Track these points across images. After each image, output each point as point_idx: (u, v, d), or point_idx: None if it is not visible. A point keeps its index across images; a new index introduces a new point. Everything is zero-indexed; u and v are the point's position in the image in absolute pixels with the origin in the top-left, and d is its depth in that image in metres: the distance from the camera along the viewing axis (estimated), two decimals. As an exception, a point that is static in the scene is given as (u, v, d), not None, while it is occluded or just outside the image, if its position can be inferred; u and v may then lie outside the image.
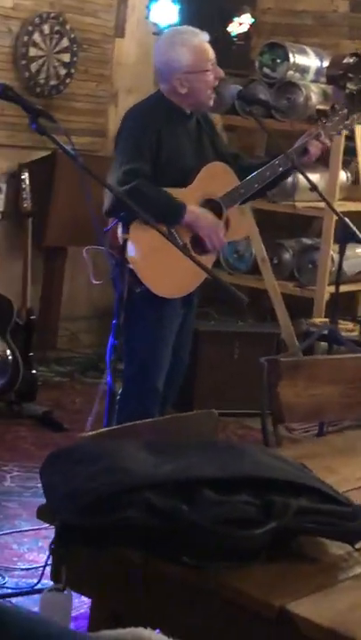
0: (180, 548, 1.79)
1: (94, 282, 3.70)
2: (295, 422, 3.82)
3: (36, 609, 2.43)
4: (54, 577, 1.98)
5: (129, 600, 1.94)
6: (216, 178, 3.86)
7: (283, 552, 1.90)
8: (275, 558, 1.86)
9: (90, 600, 2.15)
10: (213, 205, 3.86)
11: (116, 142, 3.86)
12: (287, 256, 5.90)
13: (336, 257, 5.73)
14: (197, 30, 3.84)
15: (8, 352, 4.90)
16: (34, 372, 5.05)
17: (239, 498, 1.86)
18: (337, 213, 4.12)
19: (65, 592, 1.92)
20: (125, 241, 3.26)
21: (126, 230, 3.24)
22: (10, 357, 4.90)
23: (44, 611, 1.94)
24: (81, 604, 2.79)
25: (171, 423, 2.44)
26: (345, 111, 4.02)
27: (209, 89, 3.80)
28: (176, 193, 3.73)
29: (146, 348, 3.80)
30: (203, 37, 3.82)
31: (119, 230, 3.40)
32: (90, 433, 2.35)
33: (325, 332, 4.68)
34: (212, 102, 3.88)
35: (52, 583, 3.25)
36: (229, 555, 1.81)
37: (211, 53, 3.81)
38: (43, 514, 2.08)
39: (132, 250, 3.41)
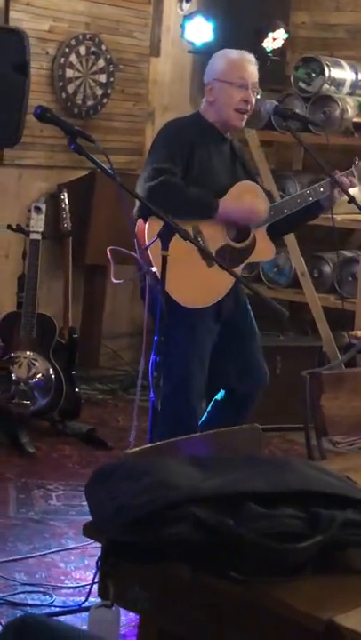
0: (227, 563, 1.80)
1: (115, 281, 3.70)
2: (339, 435, 3.81)
3: (84, 627, 2.45)
4: (102, 593, 1.99)
5: (177, 616, 1.94)
6: (246, 196, 3.87)
7: (330, 565, 1.89)
8: (322, 571, 1.86)
9: (137, 616, 2.16)
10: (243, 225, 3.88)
11: (149, 150, 3.90)
12: (327, 269, 5.89)
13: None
14: (245, 52, 3.92)
15: (51, 371, 4.93)
16: (77, 390, 5.08)
17: (285, 511, 1.86)
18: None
19: (113, 608, 1.92)
20: (165, 258, 3.27)
21: (166, 247, 3.25)
22: (53, 376, 4.93)
23: (92, 628, 1.95)
24: (129, 620, 2.80)
25: (215, 438, 2.44)
26: None
27: (232, 106, 3.82)
28: None
29: (179, 365, 3.80)
30: (246, 56, 3.89)
31: (150, 242, 3.43)
32: (133, 450, 2.37)
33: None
34: (239, 124, 3.88)
35: (99, 600, 3.31)
36: (277, 568, 1.81)
37: (246, 73, 3.83)
38: (89, 531, 2.09)
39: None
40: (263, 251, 3.96)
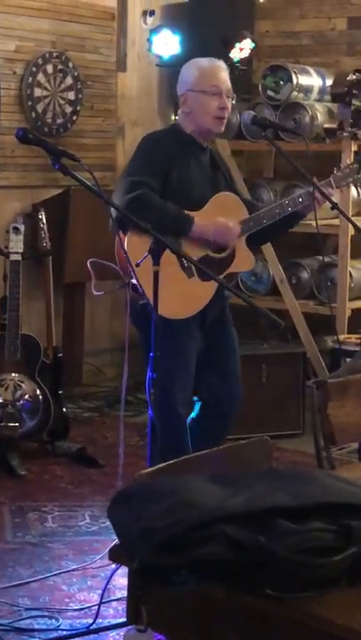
0: (261, 581, 1.79)
1: (95, 292, 3.68)
2: (347, 443, 3.80)
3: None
4: (132, 618, 1.97)
5: (210, 636, 1.93)
6: (226, 208, 3.87)
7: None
8: (356, 583, 1.86)
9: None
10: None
11: (128, 162, 3.89)
12: (305, 275, 5.91)
13: (355, 273, 5.78)
14: (214, 59, 3.92)
15: (38, 392, 4.90)
16: (64, 409, 5.05)
17: (314, 525, 1.85)
18: (359, 229, 4.14)
19: (147, 632, 1.91)
20: (157, 273, 3.26)
21: (157, 262, 3.24)
22: (40, 397, 4.90)
23: (127, 652, 1.93)
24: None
25: (226, 453, 2.43)
26: (356, 166, 4.10)
27: (210, 114, 3.82)
28: None
29: (163, 374, 3.76)
30: (216, 63, 3.89)
31: (124, 244, 3.41)
32: (147, 470, 2.35)
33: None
34: (219, 129, 3.87)
35: (106, 622, 3.29)
36: (311, 583, 1.80)
37: (219, 80, 3.84)
38: (116, 555, 2.07)
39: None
40: (243, 261, 3.96)
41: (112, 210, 3.48)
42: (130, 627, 1.98)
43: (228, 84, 3.87)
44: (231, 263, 3.90)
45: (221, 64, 3.90)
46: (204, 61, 3.90)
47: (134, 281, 3.47)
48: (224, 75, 3.87)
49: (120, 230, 3.63)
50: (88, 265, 3.58)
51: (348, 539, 1.82)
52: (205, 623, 1.94)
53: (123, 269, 3.65)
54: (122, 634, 3.15)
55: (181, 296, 3.73)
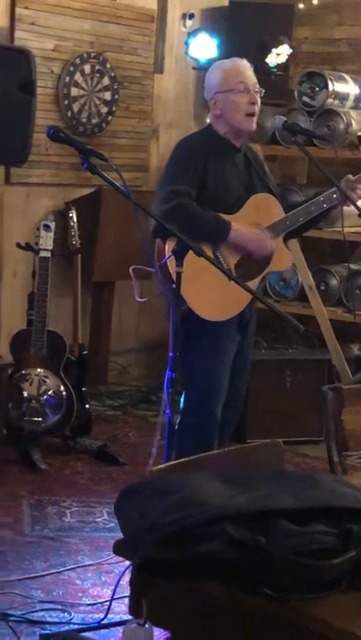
0: (261, 580, 1.80)
1: (139, 299, 3.72)
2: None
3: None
4: (134, 611, 2.00)
5: (209, 633, 1.95)
6: (262, 209, 3.90)
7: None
8: (356, 587, 1.87)
9: (168, 633, 2.16)
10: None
11: (164, 170, 3.92)
12: (334, 282, 5.90)
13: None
14: (237, 58, 3.95)
15: (62, 388, 4.94)
16: (87, 406, 5.10)
17: (316, 528, 1.87)
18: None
19: (146, 626, 1.93)
20: (180, 274, 3.29)
21: (181, 264, 3.27)
22: (64, 393, 4.94)
23: (126, 645, 1.96)
24: (162, 637, 2.79)
25: (238, 454, 2.45)
26: None
27: (241, 112, 3.84)
28: None
29: (204, 376, 3.82)
30: (239, 62, 3.91)
31: (165, 259, 3.45)
32: (159, 467, 2.37)
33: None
34: (251, 127, 3.89)
35: (118, 618, 3.31)
36: (310, 585, 1.82)
37: (244, 76, 3.86)
38: (120, 549, 2.09)
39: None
40: (281, 261, 3.98)
41: (151, 219, 3.54)
42: (130, 619, 2.01)
43: (254, 79, 3.89)
44: (270, 263, 3.92)
45: (244, 62, 3.92)
46: (226, 62, 3.95)
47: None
48: (249, 71, 3.89)
49: (158, 238, 3.68)
50: (130, 271, 3.63)
51: (348, 542, 1.83)
52: (205, 619, 1.96)
53: (163, 276, 3.67)
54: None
55: (222, 298, 3.76)
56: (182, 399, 3.88)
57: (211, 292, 3.70)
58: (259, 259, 3.86)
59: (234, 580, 1.84)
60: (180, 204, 3.66)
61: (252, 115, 3.86)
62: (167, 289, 3.50)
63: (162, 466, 2.35)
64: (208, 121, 4.03)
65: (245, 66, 3.91)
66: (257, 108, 3.88)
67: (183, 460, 2.42)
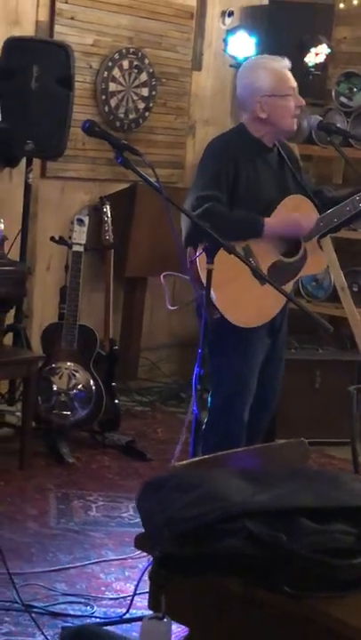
0: (280, 577, 1.80)
1: (170, 307, 3.72)
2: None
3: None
4: (153, 605, 2.00)
5: (227, 628, 1.95)
6: (296, 210, 3.87)
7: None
8: (375, 587, 1.86)
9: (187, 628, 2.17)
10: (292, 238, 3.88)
11: (196, 172, 3.91)
12: (367, 284, 5.88)
13: None
14: (278, 57, 3.88)
15: (92, 382, 4.96)
16: (116, 401, 5.11)
17: (336, 527, 1.86)
18: None
19: (165, 620, 1.93)
20: (210, 271, 3.28)
21: (211, 261, 3.27)
22: (94, 388, 4.96)
23: (144, 639, 1.96)
24: (180, 632, 2.79)
25: (262, 452, 2.45)
26: None
27: (290, 115, 3.81)
28: None
29: (232, 379, 3.81)
30: (284, 63, 3.85)
31: (197, 259, 3.44)
32: (182, 462, 2.38)
33: None
34: (295, 128, 3.87)
35: (140, 613, 3.32)
36: (329, 584, 1.81)
37: (292, 80, 3.83)
38: (141, 543, 2.10)
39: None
40: (315, 263, 3.95)
41: (183, 227, 3.53)
42: (150, 613, 2.01)
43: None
44: (303, 266, 3.90)
45: (287, 62, 3.86)
46: (273, 64, 3.83)
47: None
48: (290, 72, 3.86)
49: (191, 246, 3.66)
50: (161, 279, 3.63)
51: (368, 543, 1.82)
52: (223, 615, 1.96)
53: (196, 282, 3.66)
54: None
55: (254, 304, 3.74)
56: (209, 398, 3.87)
57: (243, 299, 3.68)
58: (303, 234, 3.81)
59: (252, 576, 1.84)
60: (210, 208, 3.62)
61: (297, 116, 3.85)
62: (200, 295, 3.48)
63: (185, 461, 2.35)
64: (243, 120, 3.95)
65: (288, 66, 3.86)
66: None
67: (207, 456, 2.42)
